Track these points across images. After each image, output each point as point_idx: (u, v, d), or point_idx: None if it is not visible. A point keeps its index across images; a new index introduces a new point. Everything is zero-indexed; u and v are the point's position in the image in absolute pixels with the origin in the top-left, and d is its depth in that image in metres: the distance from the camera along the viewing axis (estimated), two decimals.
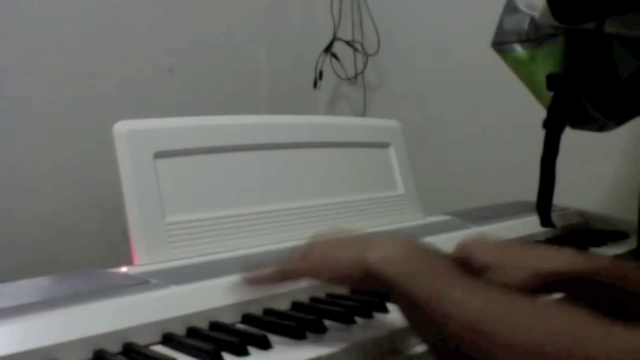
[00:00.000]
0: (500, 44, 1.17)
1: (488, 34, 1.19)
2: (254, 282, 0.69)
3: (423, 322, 0.60)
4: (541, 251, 0.79)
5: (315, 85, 2.02)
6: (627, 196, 1.30)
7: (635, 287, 0.71)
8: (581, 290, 0.73)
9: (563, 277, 0.72)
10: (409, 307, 0.61)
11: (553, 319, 0.53)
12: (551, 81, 1.10)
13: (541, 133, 1.11)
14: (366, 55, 1.96)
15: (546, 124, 1.11)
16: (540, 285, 0.72)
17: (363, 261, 0.64)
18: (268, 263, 0.71)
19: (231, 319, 0.74)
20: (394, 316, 0.74)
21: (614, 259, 0.77)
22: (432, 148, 1.80)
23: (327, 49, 2.01)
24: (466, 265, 0.75)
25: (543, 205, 1.13)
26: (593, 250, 1.10)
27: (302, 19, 2.09)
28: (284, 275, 0.69)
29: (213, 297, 0.75)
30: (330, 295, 0.82)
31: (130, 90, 1.69)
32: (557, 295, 0.75)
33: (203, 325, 0.71)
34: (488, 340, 0.53)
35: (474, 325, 0.54)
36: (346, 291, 0.85)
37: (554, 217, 1.17)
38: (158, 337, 0.68)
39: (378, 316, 0.75)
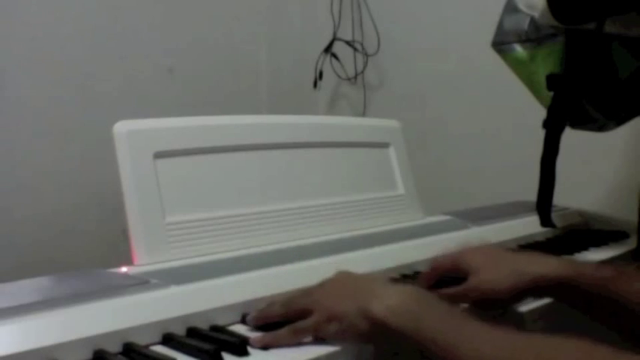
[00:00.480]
0: (500, 44, 1.17)
1: (489, 34, 1.19)
2: (264, 343, 0.68)
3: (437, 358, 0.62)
4: (526, 256, 0.82)
5: (315, 85, 2.02)
6: (627, 196, 1.30)
7: (616, 294, 0.74)
8: (564, 295, 0.76)
9: (547, 282, 0.75)
10: (420, 348, 0.63)
11: (562, 351, 0.56)
12: (551, 81, 1.10)
13: (541, 133, 1.11)
14: (366, 55, 1.96)
15: (546, 124, 1.11)
16: (525, 289, 0.75)
17: (369, 314, 0.65)
18: (274, 317, 0.71)
19: (231, 319, 0.74)
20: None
21: (599, 265, 0.79)
22: (432, 148, 1.80)
23: (327, 49, 2.01)
24: (457, 270, 0.79)
25: (543, 205, 1.13)
26: (593, 250, 1.10)
27: (302, 19, 2.09)
28: (293, 336, 0.68)
29: (213, 297, 0.75)
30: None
31: (130, 90, 1.69)
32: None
33: (203, 325, 0.71)
34: None
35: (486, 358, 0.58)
36: None
37: (554, 217, 1.17)
38: (158, 337, 0.68)
39: None
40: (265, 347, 0.67)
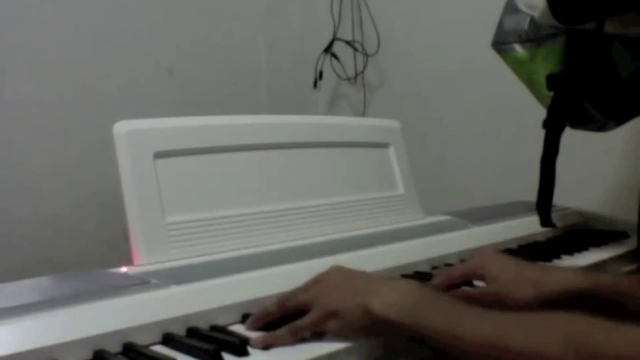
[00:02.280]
0: (500, 44, 1.17)
1: (489, 34, 1.19)
2: (265, 344, 0.68)
3: (440, 346, 0.63)
4: (548, 270, 0.83)
5: (315, 85, 2.02)
6: (627, 196, 1.30)
7: (636, 304, 0.75)
8: (582, 305, 0.76)
9: (566, 296, 0.77)
10: (423, 339, 0.64)
11: (559, 324, 0.58)
12: (551, 81, 1.10)
13: (541, 133, 1.11)
14: (366, 55, 1.96)
15: (546, 124, 1.10)
16: (544, 302, 0.77)
17: (368, 310, 0.66)
18: (270, 316, 0.71)
19: (231, 319, 0.74)
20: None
21: (618, 276, 0.81)
22: (432, 148, 1.80)
23: (327, 49, 2.01)
24: (479, 275, 0.81)
25: (543, 205, 1.13)
26: (593, 250, 1.10)
27: (302, 19, 2.09)
28: (293, 335, 0.68)
29: (213, 297, 0.75)
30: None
31: (130, 90, 1.69)
32: None
33: (203, 325, 0.71)
34: (503, 355, 0.58)
35: (488, 345, 0.59)
36: None
37: (554, 217, 1.17)
38: (158, 337, 0.68)
39: None
40: (266, 347, 0.67)
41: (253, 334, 0.69)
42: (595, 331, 0.56)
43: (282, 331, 0.68)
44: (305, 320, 0.68)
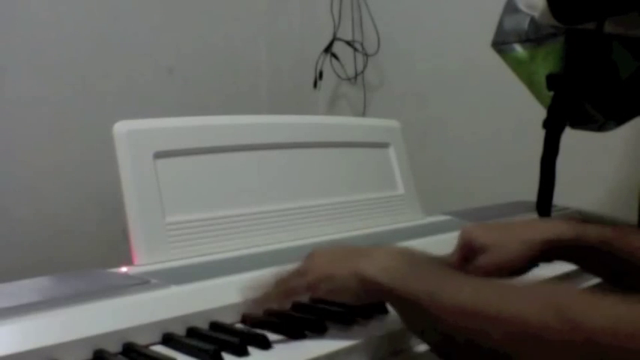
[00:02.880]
0: (500, 44, 1.17)
1: (488, 34, 1.19)
2: (258, 304, 0.71)
3: (421, 321, 0.63)
4: (530, 224, 0.84)
5: (315, 85, 2.02)
6: (627, 196, 1.30)
7: (620, 251, 0.76)
8: (571, 255, 0.79)
9: (553, 246, 0.77)
10: (406, 308, 0.64)
11: (541, 292, 0.58)
12: (551, 81, 1.10)
13: (541, 133, 1.11)
14: (366, 55, 1.96)
15: (546, 124, 1.11)
16: (534, 256, 0.78)
17: (359, 272, 0.66)
18: (268, 282, 0.72)
19: (231, 319, 0.74)
20: (394, 316, 0.74)
21: (602, 225, 0.81)
22: (432, 148, 1.80)
23: (327, 49, 2.01)
24: (469, 247, 0.81)
25: (543, 205, 1.13)
26: None
27: (302, 19, 2.09)
28: (285, 294, 0.71)
29: (213, 297, 0.75)
30: None
31: (130, 90, 1.69)
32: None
33: (203, 325, 0.71)
34: (481, 320, 0.57)
35: (467, 310, 0.58)
36: None
37: (554, 217, 1.17)
38: (158, 337, 0.68)
39: (378, 316, 0.75)
40: (259, 309, 0.69)
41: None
42: (579, 301, 0.55)
43: (274, 291, 0.70)
44: (299, 281, 0.70)
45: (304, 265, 0.72)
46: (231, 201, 0.97)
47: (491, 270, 0.78)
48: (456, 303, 0.59)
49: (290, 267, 0.73)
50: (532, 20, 1.11)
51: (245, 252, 0.93)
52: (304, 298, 0.73)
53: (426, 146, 1.78)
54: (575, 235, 0.77)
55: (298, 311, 0.77)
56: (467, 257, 0.81)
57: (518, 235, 0.79)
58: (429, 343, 0.65)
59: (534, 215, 1.15)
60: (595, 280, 0.88)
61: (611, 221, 1.30)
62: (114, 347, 0.65)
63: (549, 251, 0.78)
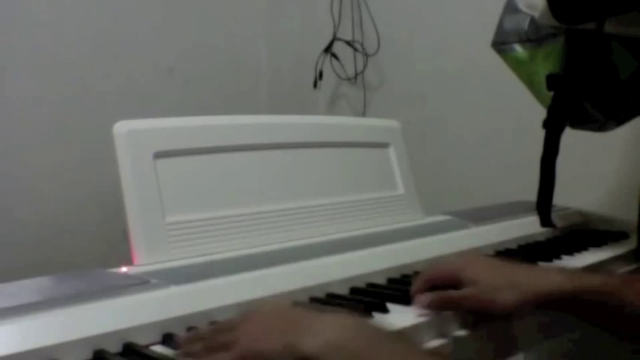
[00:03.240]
0: (500, 44, 1.17)
1: (488, 34, 1.19)
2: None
3: None
4: (530, 272, 0.80)
5: (315, 85, 2.02)
6: (627, 196, 1.30)
7: (622, 303, 0.74)
8: (568, 308, 0.76)
9: (549, 299, 0.74)
10: None
11: None
12: (551, 81, 1.10)
13: (541, 133, 1.11)
14: (366, 55, 1.96)
15: (546, 124, 1.10)
16: (526, 305, 0.75)
17: (296, 349, 0.56)
18: (201, 338, 0.64)
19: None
20: (394, 316, 0.74)
21: (605, 276, 0.79)
22: (432, 148, 1.80)
23: (327, 49, 2.01)
24: (455, 278, 0.77)
25: (543, 205, 1.13)
26: (593, 250, 1.10)
27: (302, 19, 2.09)
28: None
29: (213, 297, 0.75)
30: (329, 295, 0.82)
31: (130, 90, 1.69)
32: None
33: (203, 325, 0.71)
34: None
35: None
36: (346, 291, 0.85)
37: (554, 217, 1.17)
38: (158, 337, 0.68)
39: (378, 316, 0.75)
40: None
41: None
42: None
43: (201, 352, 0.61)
44: (224, 356, 0.60)
45: (235, 331, 0.62)
46: (231, 201, 0.97)
47: (472, 303, 0.75)
48: None
49: (221, 328, 0.64)
50: (532, 20, 1.11)
51: (245, 252, 0.93)
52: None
53: (426, 146, 1.78)
54: (572, 290, 0.74)
55: None
56: (447, 282, 0.77)
57: (513, 280, 0.75)
58: None
59: (534, 216, 1.15)
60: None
61: (608, 221, 1.30)
62: (114, 347, 0.65)
63: (545, 303, 0.75)
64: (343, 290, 0.85)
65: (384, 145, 1.21)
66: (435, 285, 0.79)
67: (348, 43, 1.98)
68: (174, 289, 0.75)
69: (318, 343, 0.56)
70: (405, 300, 0.78)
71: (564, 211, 1.28)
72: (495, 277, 0.76)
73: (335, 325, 0.57)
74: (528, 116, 1.17)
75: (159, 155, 0.91)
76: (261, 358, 0.58)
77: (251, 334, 0.60)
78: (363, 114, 1.97)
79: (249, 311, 0.65)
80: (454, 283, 0.78)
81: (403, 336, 0.61)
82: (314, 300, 0.81)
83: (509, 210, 1.26)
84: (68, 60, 1.59)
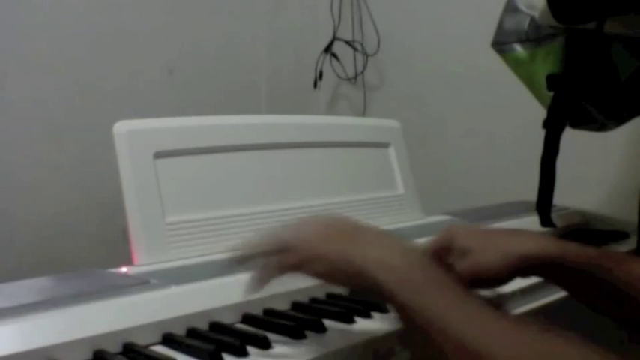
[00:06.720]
0: (500, 44, 1.17)
1: (488, 34, 1.19)
2: (254, 281, 0.66)
3: (410, 329, 0.59)
4: (513, 235, 0.79)
5: (315, 85, 2.02)
6: (627, 196, 1.30)
7: (601, 273, 0.73)
8: (550, 273, 0.76)
9: (532, 261, 0.74)
10: (404, 316, 0.60)
11: (535, 339, 0.53)
12: (551, 81, 1.10)
13: (541, 133, 1.11)
14: (366, 55, 1.96)
15: (546, 124, 1.11)
16: (513, 269, 0.74)
17: (356, 263, 0.60)
18: (257, 254, 0.67)
19: (231, 319, 0.74)
20: (394, 316, 0.74)
21: (596, 249, 0.78)
22: (432, 148, 1.80)
23: (327, 49, 2.01)
24: (448, 246, 0.77)
25: (543, 205, 1.13)
26: None
27: (302, 19, 2.09)
28: (269, 272, 0.65)
29: (213, 297, 0.75)
30: (329, 296, 0.82)
31: (130, 90, 1.69)
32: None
33: (203, 325, 0.71)
34: (468, 352, 0.53)
35: (454, 338, 0.54)
36: (346, 291, 0.85)
37: (554, 217, 1.17)
38: (158, 337, 0.68)
39: (378, 316, 0.75)
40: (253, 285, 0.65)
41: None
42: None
43: (264, 269, 0.64)
44: (283, 260, 0.64)
45: (292, 237, 0.65)
46: (231, 201, 0.97)
47: (466, 277, 0.74)
48: (458, 340, 0.54)
49: (279, 231, 0.67)
50: (532, 20, 1.11)
51: None
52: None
53: (426, 146, 1.78)
54: (557, 253, 0.73)
55: (298, 311, 0.77)
56: (440, 254, 0.77)
57: (499, 244, 0.75)
58: (411, 351, 0.61)
59: (534, 216, 1.15)
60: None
61: (608, 221, 1.30)
62: (114, 347, 0.65)
63: (528, 266, 0.74)
64: (343, 290, 0.85)
65: (384, 145, 1.21)
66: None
67: (348, 43, 1.98)
68: (174, 289, 0.75)
69: (375, 261, 0.59)
70: None
71: (564, 211, 1.29)
72: (484, 244, 0.75)
73: (387, 245, 0.62)
74: (528, 116, 1.17)
75: (159, 155, 0.91)
76: (321, 262, 0.62)
77: (312, 239, 0.64)
78: (363, 114, 1.97)
79: (301, 220, 0.67)
80: (446, 254, 0.77)
81: (446, 276, 0.62)
82: (314, 300, 0.81)
83: (509, 210, 1.26)
84: (68, 60, 1.59)
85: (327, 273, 0.63)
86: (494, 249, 0.75)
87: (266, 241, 0.68)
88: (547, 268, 0.75)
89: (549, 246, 0.74)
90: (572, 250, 0.75)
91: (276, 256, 0.65)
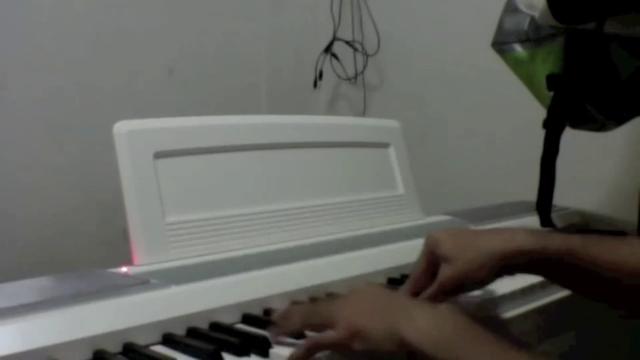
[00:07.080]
0: (500, 44, 1.17)
1: (488, 34, 1.19)
2: (278, 334, 0.66)
3: None
4: (491, 234, 0.78)
5: (315, 85, 2.02)
6: (627, 196, 1.30)
7: (584, 262, 0.72)
8: (532, 267, 0.75)
9: (513, 258, 0.73)
10: None
11: None
12: (551, 81, 1.10)
13: (541, 133, 1.11)
14: (366, 55, 1.96)
15: (546, 124, 1.11)
16: (494, 268, 0.73)
17: (400, 335, 0.60)
18: (293, 330, 0.67)
19: (231, 319, 0.74)
20: None
21: (567, 235, 0.77)
22: (432, 148, 1.80)
23: (327, 49, 2.01)
24: (432, 255, 0.77)
25: (543, 205, 1.14)
26: None
27: (302, 19, 2.09)
28: (310, 349, 0.64)
29: (213, 297, 0.75)
30: (329, 295, 0.82)
31: (130, 90, 1.69)
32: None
33: (203, 325, 0.71)
34: None
35: None
36: (345, 291, 0.85)
37: (554, 217, 1.17)
38: (158, 337, 0.68)
39: None
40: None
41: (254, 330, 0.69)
42: None
43: (301, 349, 0.64)
44: (325, 338, 0.64)
45: (334, 312, 0.65)
46: (231, 201, 0.97)
47: (450, 285, 0.75)
48: None
49: (321, 305, 0.68)
50: (532, 20, 1.11)
51: (245, 252, 0.93)
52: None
53: (426, 146, 1.78)
54: (534, 247, 0.72)
55: None
56: (432, 264, 0.77)
57: (478, 245, 0.74)
58: None
59: (534, 216, 1.15)
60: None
61: (608, 221, 1.30)
62: (114, 347, 0.65)
63: (510, 263, 0.74)
64: (343, 290, 0.85)
65: (384, 145, 1.21)
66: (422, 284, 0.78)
67: (348, 43, 1.98)
68: (174, 289, 0.75)
69: (417, 331, 0.59)
70: None
71: (564, 211, 1.29)
72: (464, 246, 0.75)
73: (432, 316, 0.61)
74: (528, 116, 1.17)
75: (159, 155, 0.91)
76: (363, 338, 0.61)
77: (353, 313, 0.63)
78: (363, 114, 1.97)
79: (350, 290, 0.67)
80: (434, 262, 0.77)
81: (492, 335, 0.61)
82: (314, 300, 0.81)
83: (509, 210, 1.26)
84: (68, 60, 1.59)
85: (368, 351, 0.62)
86: (473, 251, 0.74)
87: (310, 313, 0.68)
88: (527, 263, 0.74)
89: (527, 241, 0.73)
90: (554, 242, 0.73)
91: (320, 331, 0.65)
